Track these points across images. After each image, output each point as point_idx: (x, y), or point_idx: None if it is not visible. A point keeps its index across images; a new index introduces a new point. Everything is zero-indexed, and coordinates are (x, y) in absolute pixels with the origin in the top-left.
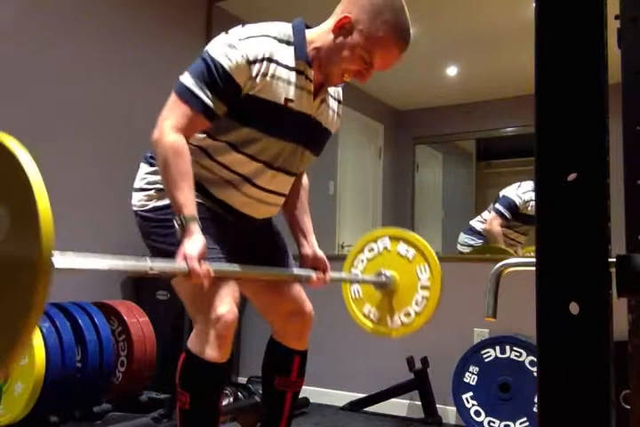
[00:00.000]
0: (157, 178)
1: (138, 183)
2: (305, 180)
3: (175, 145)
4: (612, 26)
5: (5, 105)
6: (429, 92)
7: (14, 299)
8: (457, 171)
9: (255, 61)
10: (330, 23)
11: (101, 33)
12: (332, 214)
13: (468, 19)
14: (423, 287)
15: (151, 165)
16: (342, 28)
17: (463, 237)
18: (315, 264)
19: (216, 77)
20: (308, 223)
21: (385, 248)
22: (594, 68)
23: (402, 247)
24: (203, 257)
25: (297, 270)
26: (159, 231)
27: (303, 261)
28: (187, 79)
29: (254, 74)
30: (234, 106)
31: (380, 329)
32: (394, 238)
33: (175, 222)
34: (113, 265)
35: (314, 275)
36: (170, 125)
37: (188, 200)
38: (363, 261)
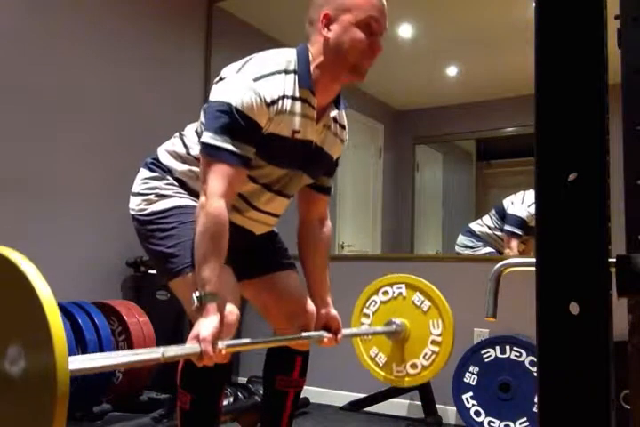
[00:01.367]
0: (157, 184)
1: (136, 188)
2: (328, 228)
3: (219, 216)
4: (612, 26)
5: (5, 105)
6: (429, 92)
7: (33, 416)
8: (457, 171)
9: (273, 103)
10: (316, 35)
11: (101, 33)
12: (332, 214)
13: (467, 18)
14: (434, 343)
15: (152, 170)
16: (329, 23)
17: (462, 239)
18: (328, 324)
19: (239, 123)
20: (326, 280)
21: (400, 294)
22: (594, 68)
23: (417, 297)
24: (217, 339)
25: (308, 334)
26: (157, 235)
27: (317, 319)
28: (210, 137)
29: (273, 114)
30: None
31: (386, 376)
32: (410, 287)
33: (194, 296)
34: (126, 360)
35: (325, 336)
36: (214, 191)
37: (214, 277)
38: (376, 302)
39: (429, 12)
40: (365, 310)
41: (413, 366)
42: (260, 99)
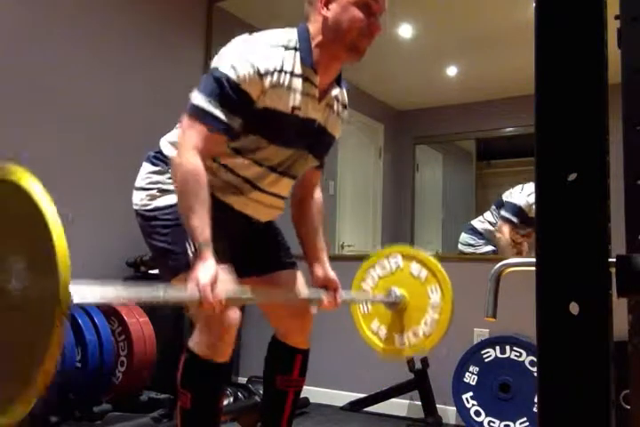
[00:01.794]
0: (160, 178)
1: (140, 182)
2: (319, 195)
3: (195, 169)
4: (612, 26)
5: (5, 104)
6: (429, 92)
7: (31, 343)
8: (457, 171)
9: (267, 73)
10: (315, 14)
11: (101, 32)
12: (332, 214)
13: (467, 19)
14: (434, 308)
15: (154, 164)
16: (327, 2)
17: (464, 237)
18: (325, 285)
19: (229, 92)
20: (320, 243)
21: (397, 267)
22: (594, 68)
23: (414, 267)
24: (215, 284)
25: (308, 293)
26: (160, 231)
27: (314, 280)
28: (198, 99)
29: (267, 86)
30: (247, 118)
31: (388, 348)
32: (406, 257)
33: (188, 247)
34: (127, 294)
35: (325, 297)
36: (189, 147)
37: (204, 225)
38: (374, 276)
39: (429, 12)
40: (364, 285)
41: (415, 333)
42: (254, 69)
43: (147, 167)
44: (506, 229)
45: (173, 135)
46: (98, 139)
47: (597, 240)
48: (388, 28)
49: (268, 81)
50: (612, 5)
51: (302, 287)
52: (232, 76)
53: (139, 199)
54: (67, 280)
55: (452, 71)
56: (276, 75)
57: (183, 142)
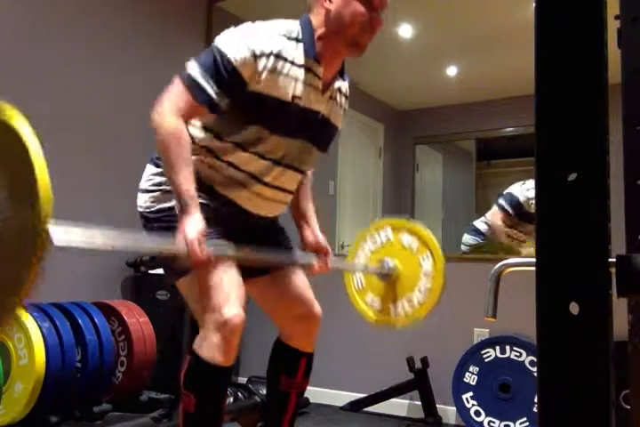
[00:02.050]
0: (163, 179)
1: (143, 184)
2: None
3: (177, 130)
4: (612, 26)
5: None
6: (429, 92)
7: (11, 266)
8: (457, 171)
9: (262, 55)
10: (318, 7)
11: (101, 32)
12: (332, 214)
13: (467, 19)
14: (426, 276)
15: (157, 166)
16: None
17: (467, 238)
18: (316, 249)
19: (221, 70)
20: (309, 207)
21: (388, 239)
22: (594, 68)
23: (405, 238)
24: (202, 239)
25: (298, 255)
26: (166, 233)
27: (304, 245)
28: (193, 69)
29: (260, 68)
30: (238, 100)
31: (383, 319)
32: (396, 229)
33: (174, 204)
34: (113, 240)
35: (315, 262)
36: (171, 109)
37: (189, 182)
38: (365, 251)
39: (429, 12)
40: (356, 260)
41: (409, 301)
42: (249, 51)
43: (150, 169)
44: (498, 215)
45: None
46: (98, 139)
47: (597, 240)
48: (388, 27)
49: (262, 64)
50: (612, 5)
51: (306, 290)
52: (228, 54)
53: (142, 201)
54: (47, 213)
55: (451, 71)
56: (272, 59)
57: (166, 103)
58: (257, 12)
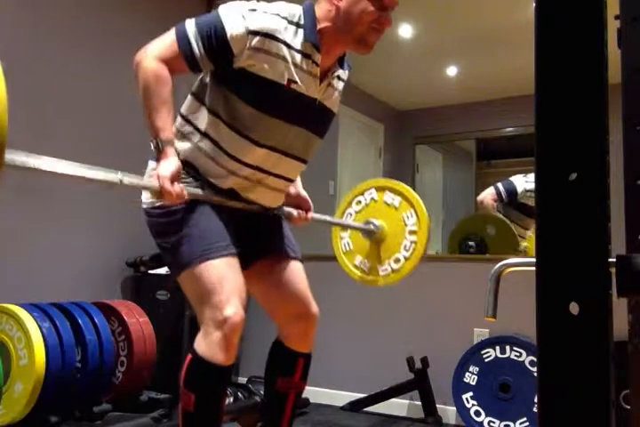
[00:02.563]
0: None
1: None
2: None
3: (157, 71)
4: (612, 26)
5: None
6: (429, 92)
7: None
8: (457, 171)
9: (256, 33)
10: (325, 1)
11: (101, 32)
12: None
13: (467, 19)
14: (411, 232)
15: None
16: None
17: None
18: (297, 203)
19: (213, 36)
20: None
21: (372, 199)
22: (594, 68)
23: (388, 196)
24: (176, 178)
25: (279, 208)
26: (166, 228)
27: (287, 199)
28: (190, 25)
29: (251, 45)
30: (223, 69)
31: (371, 278)
32: (379, 189)
33: (152, 145)
34: (77, 172)
35: (294, 212)
36: (156, 54)
37: (167, 124)
38: (351, 214)
39: (429, 12)
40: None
41: (396, 260)
42: (245, 26)
43: (151, 164)
44: (490, 196)
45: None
46: (98, 138)
47: (597, 240)
48: (391, 25)
49: (255, 41)
50: (612, 5)
51: (305, 287)
52: (223, 25)
53: (145, 198)
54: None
55: (451, 71)
56: (267, 40)
57: (152, 47)
58: None
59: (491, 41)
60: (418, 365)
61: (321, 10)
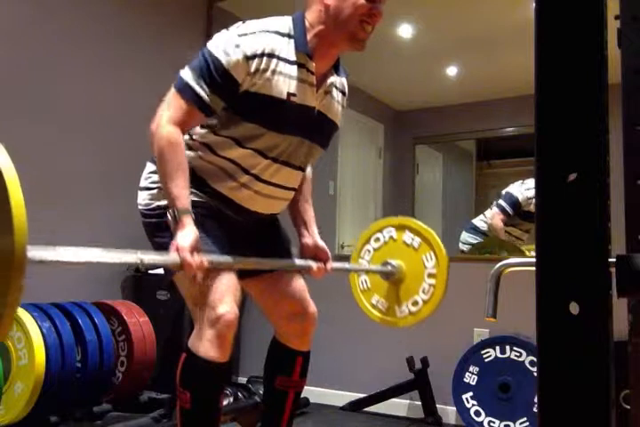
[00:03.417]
0: None
1: (143, 182)
2: (308, 171)
3: (171, 137)
4: (612, 26)
5: (4, 104)
6: (429, 92)
7: None
8: (457, 171)
9: (254, 57)
10: (315, 4)
11: (101, 33)
12: (332, 214)
13: (467, 19)
14: (430, 275)
15: (156, 164)
16: None
17: (465, 236)
18: (315, 254)
19: (214, 73)
20: (309, 212)
21: (391, 237)
22: (594, 68)
23: (407, 236)
24: (195, 249)
25: (296, 261)
26: (162, 229)
27: (303, 250)
28: (186, 74)
29: (253, 69)
30: (233, 101)
31: (389, 319)
32: (399, 227)
33: (168, 215)
34: (99, 258)
35: (314, 265)
36: (167, 118)
37: (182, 193)
38: (369, 251)
39: (429, 12)
40: (361, 261)
41: (414, 303)
42: (240, 52)
43: (149, 167)
44: (498, 217)
45: None
46: (98, 139)
47: (597, 240)
48: (388, 28)
49: (255, 65)
50: (612, 5)
51: (302, 289)
52: (220, 58)
53: (142, 199)
54: (23, 240)
55: (451, 71)
56: (265, 59)
57: (163, 113)
58: (257, 11)
59: (491, 41)
60: (418, 365)
61: (312, 14)
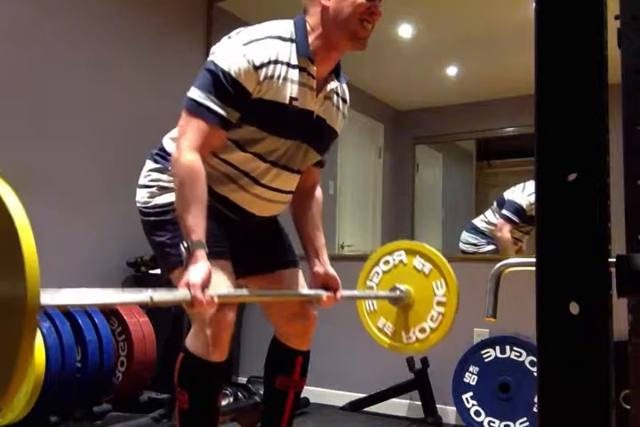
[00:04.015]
0: (160, 176)
1: (142, 180)
2: (319, 193)
3: (192, 166)
4: (612, 26)
5: (5, 104)
6: (429, 92)
7: (3, 342)
8: (457, 171)
9: (262, 66)
10: (314, 6)
11: (101, 33)
12: (332, 214)
13: (467, 19)
14: (439, 303)
15: (156, 161)
16: None
17: (465, 236)
18: (326, 283)
19: (225, 85)
20: (320, 240)
21: (401, 261)
22: (594, 68)
23: (418, 262)
24: (206, 285)
25: (306, 291)
26: (159, 227)
27: (314, 279)
28: (194, 93)
29: (262, 78)
30: (245, 110)
31: (395, 345)
32: (410, 252)
33: (181, 246)
34: (110, 298)
35: (324, 295)
36: (187, 145)
37: (198, 225)
38: (378, 273)
39: (429, 12)
40: (369, 283)
41: (422, 330)
42: (248, 62)
43: (149, 165)
44: (507, 228)
45: (174, 131)
46: (98, 140)
47: (597, 240)
48: (388, 28)
49: (263, 73)
50: (612, 5)
51: (301, 286)
52: (228, 69)
53: (140, 197)
54: (35, 285)
55: (451, 71)
56: (271, 66)
57: (182, 140)
58: (257, 11)
59: (491, 41)
60: (418, 365)
61: (312, 17)
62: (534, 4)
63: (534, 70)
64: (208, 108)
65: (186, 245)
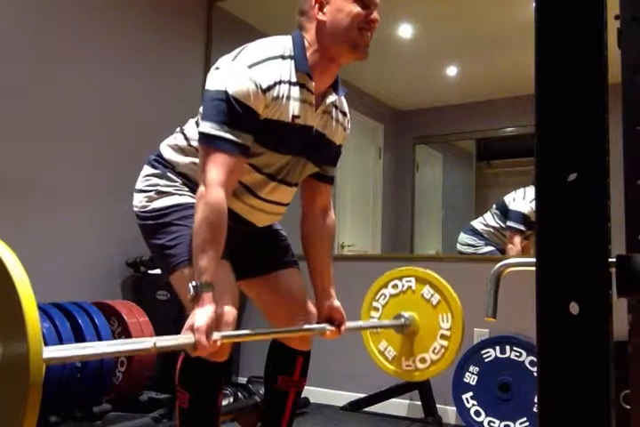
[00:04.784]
0: (158, 180)
1: (139, 184)
2: (331, 220)
3: (217, 206)
4: (612, 26)
5: (5, 105)
6: (429, 92)
7: (8, 406)
8: (457, 171)
9: (269, 88)
10: (310, 22)
11: (101, 33)
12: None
13: (467, 19)
14: (443, 337)
15: (154, 167)
16: (321, 6)
17: (463, 237)
18: (331, 316)
19: (236, 110)
20: (328, 273)
21: (409, 288)
22: (594, 68)
23: (427, 291)
24: (212, 330)
25: (308, 326)
26: (158, 231)
27: (320, 311)
28: (206, 127)
29: (269, 100)
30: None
31: (394, 370)
32: (420, 280)
33: (190, 286)
34: (113, 350)
35: (328, 328)
36: (212, 180)
37: (212, 267)
38: (385, 295)
39: (429, 12)
40: (375, 304)
41: (422, 360)
42: (256, 86)
43: (146, 170)
44: (517, 239)
45: (172, 139)
46: (98, 141)
47: (597, 240)
48: (387, 28)
49: (270, 95)
50: (612, 5)
51: (301, 289)
52: (236, 94)
53: (137, 201)
54: (38, 348)
55: (451, 71)
56: (276, 88)
57: (207, 175)
58: (257, 11)
59: (491, 41)
60: None
61: (309, 32)
62: (534, 4)
63: (534, 70)
64: (224, 139)
65: (195, 284)
